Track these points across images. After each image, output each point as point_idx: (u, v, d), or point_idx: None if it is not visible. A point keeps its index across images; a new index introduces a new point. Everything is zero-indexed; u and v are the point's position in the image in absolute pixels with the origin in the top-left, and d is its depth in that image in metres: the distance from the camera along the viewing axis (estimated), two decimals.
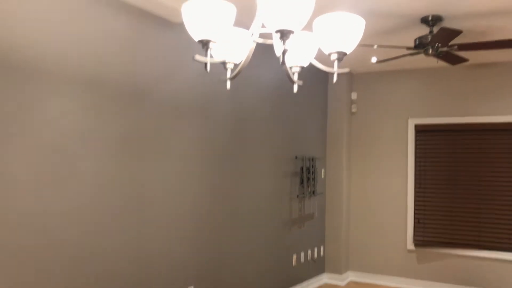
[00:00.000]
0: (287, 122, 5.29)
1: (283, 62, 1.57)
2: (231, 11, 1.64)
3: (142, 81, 3.36)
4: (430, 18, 4.14)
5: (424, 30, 4.54)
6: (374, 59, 5.53)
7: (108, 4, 3.08)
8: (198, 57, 1.62)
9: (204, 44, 1.64)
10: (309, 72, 5.78)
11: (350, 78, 6.50)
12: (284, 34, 1.53)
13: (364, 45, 4.47)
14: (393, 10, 4.01)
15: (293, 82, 1.95)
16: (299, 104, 5.55)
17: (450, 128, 5.97)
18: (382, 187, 6.35)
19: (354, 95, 6.56)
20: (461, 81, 5.93)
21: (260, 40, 1.83)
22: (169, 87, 3.60)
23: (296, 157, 5.49)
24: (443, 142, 6.00)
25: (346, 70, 1.74)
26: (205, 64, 1.66)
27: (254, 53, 1.83)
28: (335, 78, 1.80)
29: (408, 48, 4.32)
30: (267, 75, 4.88)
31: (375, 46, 4.18)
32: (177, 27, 3.67)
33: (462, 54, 5.36)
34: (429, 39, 4.12)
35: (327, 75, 6.30)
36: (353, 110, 6.55)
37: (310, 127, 5.84)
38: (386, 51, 5.28)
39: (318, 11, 4.05)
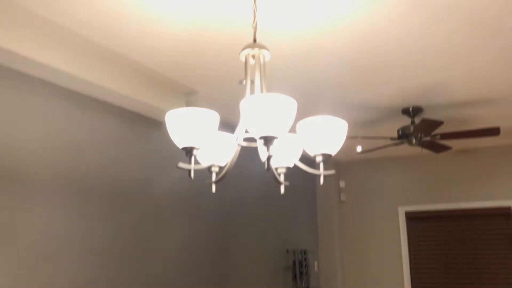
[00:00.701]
0: (276, 215, 5.20)
1: (268, 168, 1.54)
2: (215, 119, 1.64)
3: (129, 182, 3.32)
4: (410, 109, 4.26)
5: (406, 120, 4.66)
6: (359, 149, 5.60)
7: (93, 108, 3.13)
8: (181, 164, 1.60)
9: (188, 151, 1.62)
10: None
11: (338, 167, 6.54)
12: (268, 140, 1.52)
13: (349, 137, 4.54)
14: (374, 103, 4.13)
15: (279, 183, 1.92)
16: (287, 196, 5.51)
17: (441, 215, 5.92)
18: (377, 278, 6.13)
19: (342, 184, 6.56)
20: (448, 167, 6.00)
21: (245, 144, 1.82)
22: (156, 187, 3.56)
23: (287, 251, 5.33)
24: (435, 228, 5.92)
25: (331, 172, 1.73)
26: (189, 171, 1.63)
27: (240, 151, 1.81)
28: (321, 181, 1.78)
29: (392, 139, 4.40)
30: (254, 170, 4.88)
31: (359, 138, 4.25)
32: (165, 126, 3.71)
33: (446, 142, 5.47)
34: (412, 129, 4.20)
35: (314, 162, 6.33)
36: (343, 198, 6.51)
37: (300, 218, 5.75)
38: (372, 140, 5.37)
39: (302, 108, 4.16)
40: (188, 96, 3.88)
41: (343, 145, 5.58)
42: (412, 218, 6.08)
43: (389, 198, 6.26)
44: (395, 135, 5.15)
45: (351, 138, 4.80)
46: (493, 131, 4.05)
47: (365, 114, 4.46)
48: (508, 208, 5.59)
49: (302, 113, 4.33)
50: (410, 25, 2.73)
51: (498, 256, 5.55)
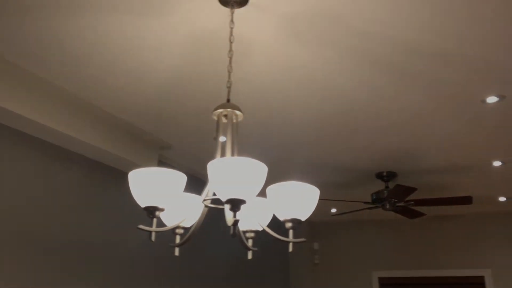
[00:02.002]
0: (247, 279, 5.02)
1: (234, 234, 1.47)
2: (180, 179, 1.57)
3: (93, 241, 3.16)
4: (384, 174, 4.27)
5: (380, 185, 4.65)
6: (333, 210, 5.55)
7: (59, 157, 3.02)
8: (142, 226, 1.51)
9: (150, 211, 1.54)
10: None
11: (312, 228, 6.44)
12: (234, 204, 1.45)
13: (322, 200, 4.50)
14: (348, 166, 4.13)
15: (247, 249, 1.83)
16: (259, 258, 5.34)
17: (414, 282, 5.81)
18: None
19: (316, 245, 6.44)
20: (423, 233, 5.96)
21: (212, 206, 1.75)
22: (121, 248, 3.40)
23: None
24: None
25: (302, 240, 1.65)
26: (150, 233, 1.54)
27: (209, 212, 1.73)
28: (290, 248, 1.70)
29: (366, 203, 4.37)
30: (224, 232, 4.75)
31: (333, 200, 4.21)
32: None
33: (419, 208, 5.46)
34: (385, 194, 4.19)
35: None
36: (316, 261, 6.37)
37: (272, 281, 5.56)
38: (347, 203, 5.33)
39: (275, 169, 4.12)
40: (162, 151, 3.81)
41: (318, 206, 5.52)
42: (386, 284, 5.95)
43: (363, 262, 6.14)
44: (370, 198, 5.13)
45: (325, 200, 4.76)
46: (466, 200, 4.07)
47: (340, 177, 4.44)
48: (481, 278, 5.53)
49: (276, 174, 4.29)
50: (383, 91, 2.77)
51: None
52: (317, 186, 4.65)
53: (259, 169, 1.45)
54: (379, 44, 2.26)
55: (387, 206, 4.22)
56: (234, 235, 1.48)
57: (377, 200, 4.29)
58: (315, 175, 4.40)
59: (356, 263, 6.17)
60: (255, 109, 3.03)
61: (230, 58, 1.92)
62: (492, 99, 2.82)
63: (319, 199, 4.58)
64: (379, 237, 6.15)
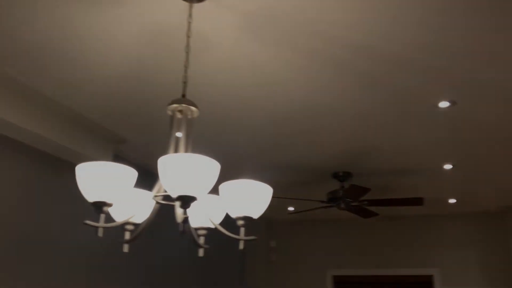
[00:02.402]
0: (202, 276, 4.98)
1: (183, 231, 1.45)
2: (131, 175, 1.54)
3: (41, 234, 3.05)
4: (340, 174, 4.34)
5: (336, 184, 4.73)
6: (291, 209, 5.60)
7: (4, 149, 2.90)
8: (88, 222, 1.46)
9: (98, 207, 1.50)
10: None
11: (270, 226, 6.47)
12: (185, 201, 1.43)
13: (277, 197, 4.53)
14: (305, 165, 4.17)
15: (199, 247, 1.81)
16: (214, 255, 5.32)
17: (367, 281, 5.95)
18: None
19: (273, 243, 6.48)
20: (376, 233, 6.10)
21: (164, 202, 1.72)
22: (70, 242, 3.30)
23: None
24: None
25: (253, 238, 1.65)
26: (97, 228, 1.50)
27: (162, 209, 1.70)
28: (241, 245, 1.69)
29: (322, 202, 4.43)
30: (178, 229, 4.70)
31: (288, 199, 4.24)
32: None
33: (373, 209, 5.59)
34: (341, 194, 4.26)
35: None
36: (272, 259, 6.41)
37: (227, 278, 5.55)
38: (304, 201, 5.38)
39: (229, 166, 4.12)
40: (118, 145, 3.73)
41: (276, 204, 5.55)
42: (339, 282, 6.06)
43: (318, 260, 6.23)
44: (325, 198, 5.20)
45: (282, 199, 4.79)
46: (417, 201, 4.19)
47: (298, 176, 4.48)
48: (430, 277, 5.72)
49: (232, 172, 4.29)
50: (339, 93, 2.81)
51: None
52: (275, 185, 4.68)
53: (211, 166, 1.43)
54: (340, 48, 2.29)
55: (342, 206, 4.29)
56: (183, 232, 1.46)
57: (333, 199, 4.36)
58: (273, 174, 4.42)
59: (312, 261, 6.25)
60: (211, 106, 3.01)
61: (187, 53, 1.89)
62: (444, 104, 2.91)
63: (277, 197, 4.61)
64: (334, 236, 6.26)
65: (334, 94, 2.82)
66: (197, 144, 3.62)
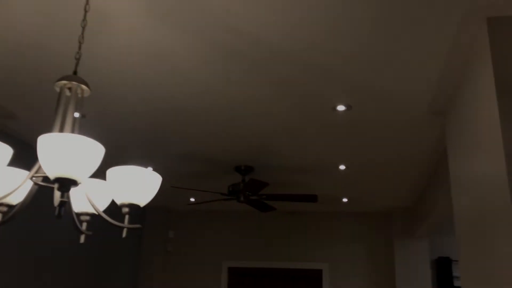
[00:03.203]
0: (95, 262, 4.78)
1: (59, 215, 1.37)
2: (5, 152, 1.42)
3: None
4: (242, 168, 4.40)
5: (238, 178, 4.78)
6: (192, 199, 5.57)
7: None
8: None
9: None
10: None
11: (168, 215, 6.38)
12: (63, 184, 1.35)
13: (176, 187, 4.49)
14: (207, 156, 4.16)
15: (80, 233, 1.73)
16: (109, 243, 5.13)
17: (262, 273, 6.10)
18: None
19: (171, 234, 6.39)
20: (273, 227, 6.27)
21: (42, 184, 1.61)
22: None
23: None
24: (256, 286, 6.06)
25: (137, 226, 1.60)
26: None
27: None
28: (124, 233, 1.64)
29: (222, 194, 4.46)
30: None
31: (186, 189, 4.21)
32: None
33: (271, 203, 5.73)
34: (241, 187, 4.32)
35: (144, 209, 6.08)
36: (169, 249, 6.33)
37: (120, 266, 5.38)
38: (205, 193, 5.37)
39: (124, 154, 3.99)
40: (5, 120, 3.44)
41: (177, 194, 5.48)
42: (234, 273, 6.15)
43: (215, 251, 6.26)
44: (226, 191, 5.24)
45: (183, 189, 4.75)
46: (312, 198, 4.37)
47: (201, 167, 4.46)
48: (320, 271, 6.01)
49: (127, 158, 4.16)
50: (240, 85, 2.83)
51: None
52: (176, 175, 4.62)
53: (94, 149, 1.36)
54: (248, 45, 2.30)
55: (241, 199, 4.35)
56: (59, 216, 1.37)
57: (233, 192, 4.40)
58: (172, 163, 4.35)
59: (208, 253, 6.27)
60: (106, 87, 2.88)
61: (83, 27, 1.79)
62: (341, 108, 3.06)
63: (176, 187, 4.56)
64: (233, 229, 6.33)
65: (240, 90, 2.84)
66: (86, 126, 3.43)
